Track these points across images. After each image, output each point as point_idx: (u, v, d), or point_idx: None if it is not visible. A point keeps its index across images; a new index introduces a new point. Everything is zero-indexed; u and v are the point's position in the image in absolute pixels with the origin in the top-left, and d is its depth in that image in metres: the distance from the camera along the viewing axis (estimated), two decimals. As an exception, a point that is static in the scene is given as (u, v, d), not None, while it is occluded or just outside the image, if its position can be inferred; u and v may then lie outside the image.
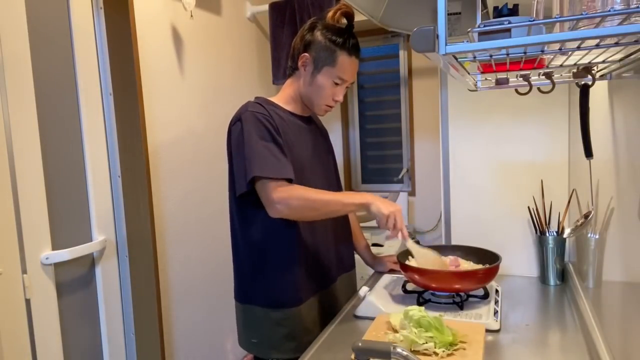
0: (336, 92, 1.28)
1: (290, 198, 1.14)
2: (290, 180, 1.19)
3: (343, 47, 1.24)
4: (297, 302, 1.25)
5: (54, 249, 1.51)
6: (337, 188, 1.47)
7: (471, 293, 1.28)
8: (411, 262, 1.34)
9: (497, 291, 1.32)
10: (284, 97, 1.33)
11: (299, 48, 1.28)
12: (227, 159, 1.27)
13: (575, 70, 0.93)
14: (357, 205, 1.18)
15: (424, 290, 1.29)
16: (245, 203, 1.24)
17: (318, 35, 1.25)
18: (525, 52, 0.76)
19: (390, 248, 2.52)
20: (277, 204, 1.14)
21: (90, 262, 1.70)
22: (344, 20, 1.29)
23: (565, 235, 1.41)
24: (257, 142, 1.18)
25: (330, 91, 1.27)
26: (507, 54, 0.77)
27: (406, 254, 1.38)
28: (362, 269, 1.83)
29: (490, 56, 0.77)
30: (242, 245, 1.29)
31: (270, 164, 1.16)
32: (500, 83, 1.02)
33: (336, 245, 1.41)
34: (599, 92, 1.02)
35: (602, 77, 0.93)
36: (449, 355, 0.96)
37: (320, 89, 1.26)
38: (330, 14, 1.28)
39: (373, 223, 2.85)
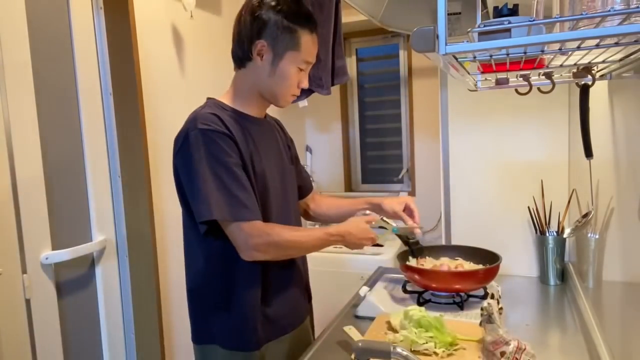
0: (301, 77, 1.11)
1: (268, 245, 1.03)
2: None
3: (305, 25, 1.06)
4: (256, 346, 1.09)
5: (54, 249, 1.51)
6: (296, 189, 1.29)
7: (471, 293, 1.28)
8: (411, 263, 1.34)
9: (497, 291, 1.32)
10: (239, 97, 1.13)
11: (248, 34, 1.06)
12: (175, 183, 1.10)
13: (575, 70, 0.94)
14: (334, 238, 1.10)
15: (424, 290, 1.29)
16: (206, 233, 1.05)
17: (272, 15, 1.04)
18: (525, 52, 0.77)
19: (390, 248, 2.51)
20: (253, 251, 1.02)
21: (90, 262, 1.70)
22: None
23: (565, 235, 1.41)
24: (214, 172, 1.00)
25: (296, 78, 1.10)
26: (507, 54, 0.77)
27: (406, 254, 1.38)
28: (362, 269, 1.83)
29: (490, 56, 0.77)
30: (200, 279, 1.13)
31: (235, 203, 1.00)
32: (500, 83, 1.02)
33: (305, 282, 1.29)
34: (599, 92, 1.02)
35: (602, 77, 0.93)
36: (449, 355, 0.96)
37: (285, 78, 1.08)
38: None
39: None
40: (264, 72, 1.08)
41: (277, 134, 1.23)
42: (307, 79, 1.12)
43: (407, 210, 1.26)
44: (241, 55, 1.09)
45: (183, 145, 1.02)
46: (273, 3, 1.04)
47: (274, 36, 1.04)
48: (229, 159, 1.01)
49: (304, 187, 1.37)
